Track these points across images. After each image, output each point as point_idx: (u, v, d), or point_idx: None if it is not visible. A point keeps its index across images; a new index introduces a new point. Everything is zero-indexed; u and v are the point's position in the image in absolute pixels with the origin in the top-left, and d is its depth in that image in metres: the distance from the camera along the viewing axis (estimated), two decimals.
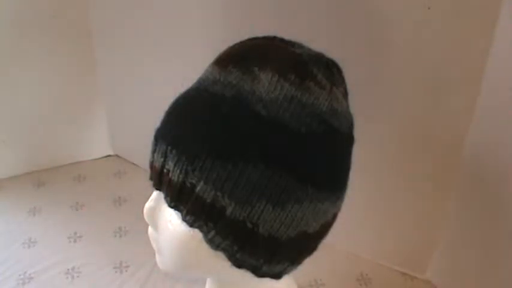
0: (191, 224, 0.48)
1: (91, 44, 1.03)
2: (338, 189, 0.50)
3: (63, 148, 1.14)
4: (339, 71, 0.51)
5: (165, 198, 0.50)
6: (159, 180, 0.50)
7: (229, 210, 0.45)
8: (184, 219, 0.48)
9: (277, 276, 0.52)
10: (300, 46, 0.52)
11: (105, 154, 1.19)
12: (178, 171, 0.47)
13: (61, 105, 1.08)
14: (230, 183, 0.45)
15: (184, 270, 0.57)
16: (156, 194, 0.54)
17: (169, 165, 0.47)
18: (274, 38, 0.53)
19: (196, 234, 0.48)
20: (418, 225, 0.84)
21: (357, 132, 0.52)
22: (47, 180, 1.11)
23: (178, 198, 0.48)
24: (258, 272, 0.50)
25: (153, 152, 0.50)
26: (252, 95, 0.46)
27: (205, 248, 0.48)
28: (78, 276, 0.88)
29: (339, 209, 0.52)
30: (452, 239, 0.81)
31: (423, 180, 0.79)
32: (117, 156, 1.19)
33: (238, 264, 0.49)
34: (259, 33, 0.54)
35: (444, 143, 0.74)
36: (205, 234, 0.48)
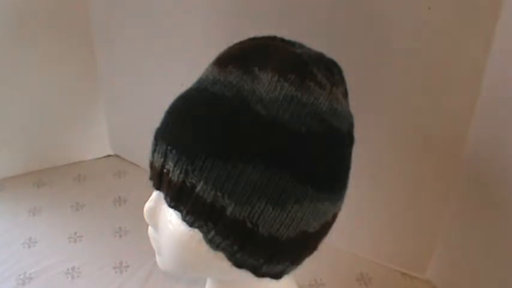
0: (191, 224, 0.48)
1: (91, 44, 1.03)
2: (338, 189, 0.50)
3: (63, 148, 1.14)
4: (339, 71, 0.51)
5: (165, 198, 0.50)
6: (159, 180, 0.50)
7: (229, 210, 0.45)
8: (184, 219, 0.48)
9: (277, 276, 0.52)
10: (300, 46, 0.52)
11: (105, 154, 1.19)
12: (178, 171, 0.47)
13: (61, 105, 1.08)
14: (230, 183, 0.45)
15: (184, 270, 0.57)
16: (156, 194, 0.54)
17: (169, 165, 0.47)
18: (275, 38, 0.53)
19: (196, 234, 0.48)
20: (418, 225, 0.84)
21: (357, 132, 0.52)
22: (47, 180, 1.11)
23: (178, 198, 0.48)
24: (258, 272, 0.50)
25: (153, 151, 0.50)
26: (252, 95, 0.46)
27: (205, 248, 0.48)
28: (78, 276, 0.88)
29: (339, 209, 0.52)
30: (452, 239, 0.81)
31: (423, 180, 0.79)
32: (117, 156, 1.19)
33: (238, 264, 0.49)
34: (259, 33, 0.54)
35: (444, 143, 0.74)
36: (205, 234, 0.48)
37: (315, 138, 0.46)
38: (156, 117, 0.51)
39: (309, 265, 0.55)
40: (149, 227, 0.56)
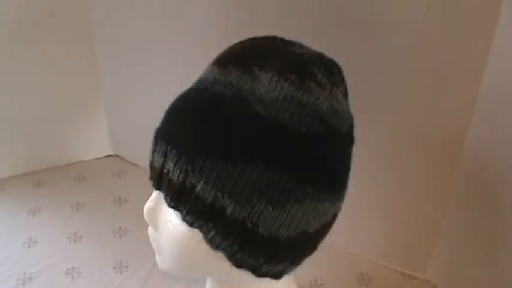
0: (191, 224, 0.48)
1: (91, 43, 1.03)
2: (338, 189, 0.50)
3: (63, 148, 1.14)
4: (339, 71, 0.51)
5: (165, 198, 0.50)
6: (159, 180, 0.50)
7: (229, 210, 0.45)
8: (184, 219, 0.48)
9: (277, 276, 0.52)
10: (301, 46, 0.52)
11: (105, 154, 1.19)
12: (178, 171, 0.47)
13: (61, 105, 1.08)
14: (230, 183, 0.45)
15: (184, 270, 0.57)
16: (156, 194, 0.54)
17: (169, 165, 0.47)
18: (275, 38, 0.53)
19: (196, 234, 0.48)
20: (418, 225, 0.84)
21: (357, 132, 0.52)
22: (47, 180, 1.11)
23: (178, 198, 0.48)
24: (258, 272, 0.50)
25: (153, 152, 0.50)
26: (252, 95, 0.46)
27: (205, 248, 0.48)
28: (78, 276, 0.88)
29: (339, 209, 0.52)
30: (452, 239, 0.81)
31: (423, 180, 0.79)
32: (117, 156, 1.19)
33: (238, 264, 0.49)
34: (259, 33, 0.54)
35: (444, 143, 0.74)
36: (205, 234, 0.48)
37: (315, 138, 0.46)
38: (156, 117, 0.51)
39: (309, 265, 0.55)
40: (149, 227, 0.56)
